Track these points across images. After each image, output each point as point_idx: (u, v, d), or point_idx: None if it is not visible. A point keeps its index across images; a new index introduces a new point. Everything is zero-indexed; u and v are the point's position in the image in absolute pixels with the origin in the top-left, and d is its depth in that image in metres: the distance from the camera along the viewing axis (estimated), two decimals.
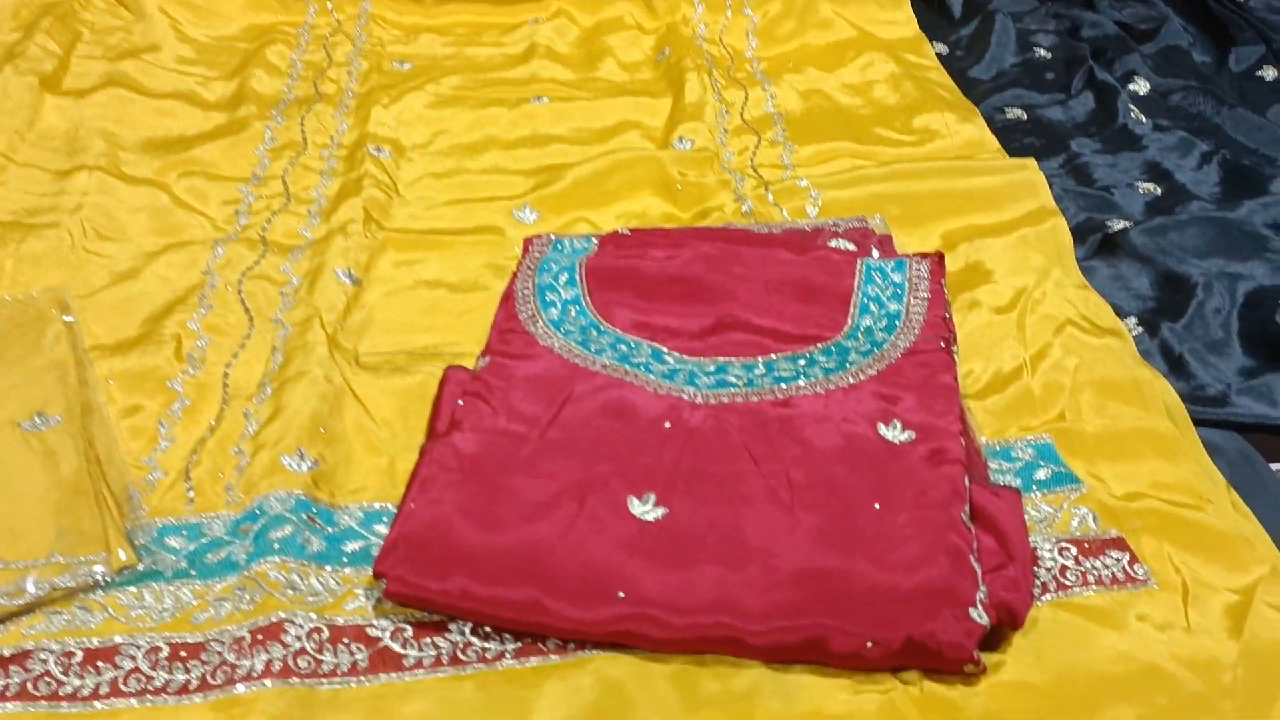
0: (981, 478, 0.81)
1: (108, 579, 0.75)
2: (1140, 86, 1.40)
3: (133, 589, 0.75)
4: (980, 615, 0.69)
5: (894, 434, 0.81)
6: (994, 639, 0.71)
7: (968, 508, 0.76)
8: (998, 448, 0.86)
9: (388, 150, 1.22)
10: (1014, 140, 1.28)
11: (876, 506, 0.75)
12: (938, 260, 0.99)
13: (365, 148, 1.20)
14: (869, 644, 0.68)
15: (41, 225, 1.06)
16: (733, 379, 0.87)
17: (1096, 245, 1.10)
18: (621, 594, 0.71)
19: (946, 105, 1.31)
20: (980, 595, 0.70)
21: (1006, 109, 1.36)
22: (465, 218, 1.13)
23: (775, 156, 1.23)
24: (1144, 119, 1.32)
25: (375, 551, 0.75)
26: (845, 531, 0.74)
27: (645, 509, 0.76)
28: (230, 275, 1.03)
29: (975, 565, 0.72)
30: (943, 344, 0.89)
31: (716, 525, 0.75)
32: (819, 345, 0.90)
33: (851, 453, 0.80)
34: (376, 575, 0.73)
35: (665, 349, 0.90)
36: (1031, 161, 1.17)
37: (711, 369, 0.88)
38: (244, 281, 1.02)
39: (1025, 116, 1.34)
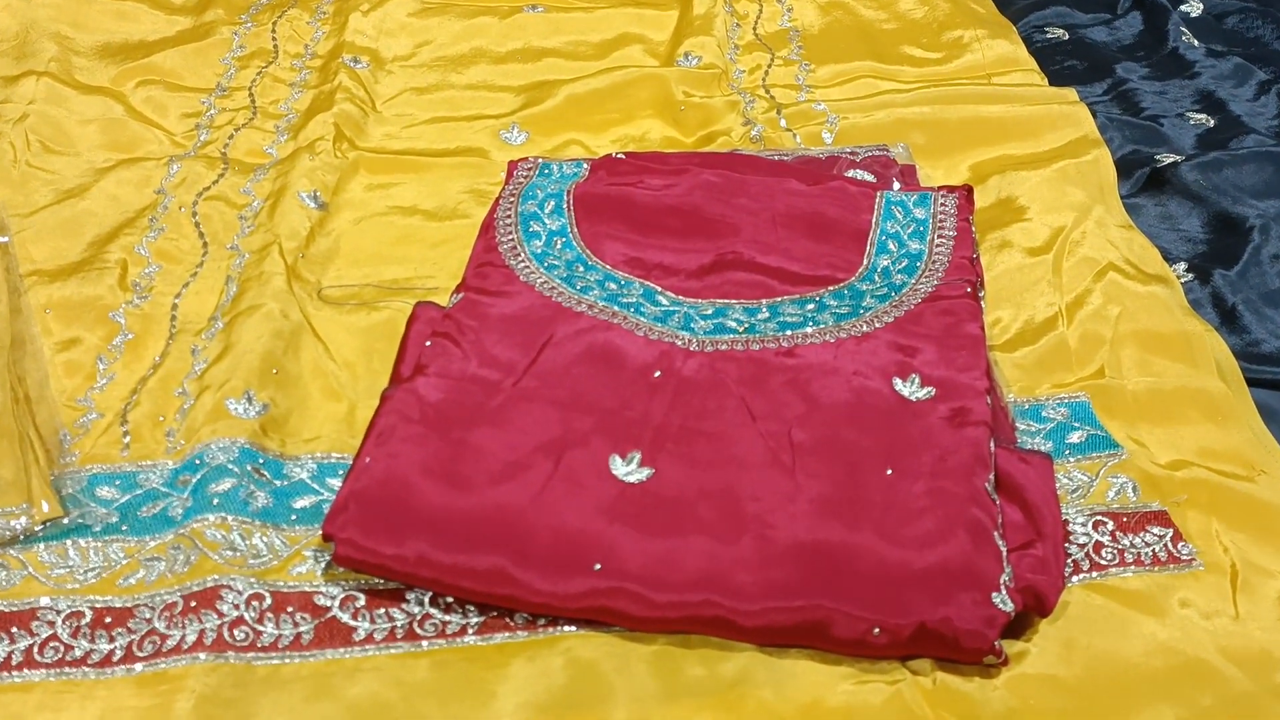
0: (1008, 441, 0.73)
1: (29, 533, 0.68)
2: (1193, 8, 1.31)
3: (56, 544, 0.68)
4: (1004, 601, 0.61)
5: (911, 390, 0.73)
6: (1018, 625, 0.64)
7: (992, 476, 0.68)
8: (1027, 407, 0.79)
9: (365, 61, 1.13)
10: (1054, 62, 1.20)
11: (889, 473, 0.68)
12: (965, 195, 0.90)
13: (341, 58, 1.12)
14: (875, 630, 0.61)
15: None
16: (732, 324, 0.78)
17: (1143, 181, 1.02)
18: (598, 565, 0.64)
19: (979, 21, 1.22)
20: (1005, 578, 0.62)
21: (1047, 28, 1.27)
22: (447, 138, 1.05)
23: (789, 76, 1.15)
24: (1197, 43, 1.23)
25: (328, 509, 0.67)
26: (853, 501, 0.66)
27: (628, 469, 0.68)
28: (185, 196, 0.95)
29: (1000, 543, 0.64)
30: (969, 289, 0.81)
31: (708, 490, 0.67)
32: (830, 287, 0.82)
33: (862, 410, 0.72)
34: (325, 537, 0.66)
35: (659, 288, 0.82)
36: (1072, 92, 1.09)
37: (709, 312, 0.80)
38: (199, 203, 0.94)
39: (1067, 37, 1.26)
